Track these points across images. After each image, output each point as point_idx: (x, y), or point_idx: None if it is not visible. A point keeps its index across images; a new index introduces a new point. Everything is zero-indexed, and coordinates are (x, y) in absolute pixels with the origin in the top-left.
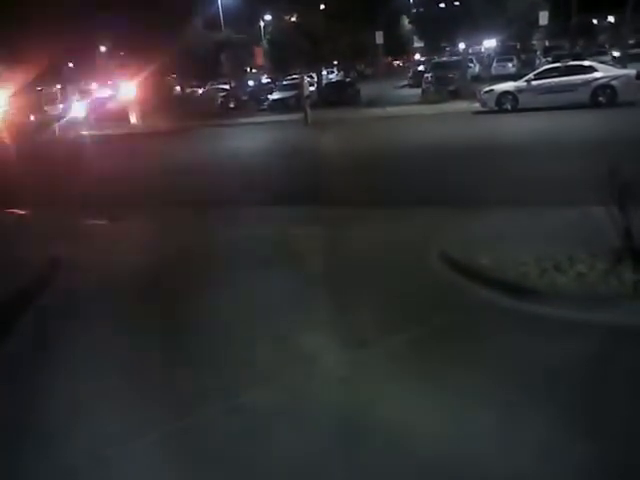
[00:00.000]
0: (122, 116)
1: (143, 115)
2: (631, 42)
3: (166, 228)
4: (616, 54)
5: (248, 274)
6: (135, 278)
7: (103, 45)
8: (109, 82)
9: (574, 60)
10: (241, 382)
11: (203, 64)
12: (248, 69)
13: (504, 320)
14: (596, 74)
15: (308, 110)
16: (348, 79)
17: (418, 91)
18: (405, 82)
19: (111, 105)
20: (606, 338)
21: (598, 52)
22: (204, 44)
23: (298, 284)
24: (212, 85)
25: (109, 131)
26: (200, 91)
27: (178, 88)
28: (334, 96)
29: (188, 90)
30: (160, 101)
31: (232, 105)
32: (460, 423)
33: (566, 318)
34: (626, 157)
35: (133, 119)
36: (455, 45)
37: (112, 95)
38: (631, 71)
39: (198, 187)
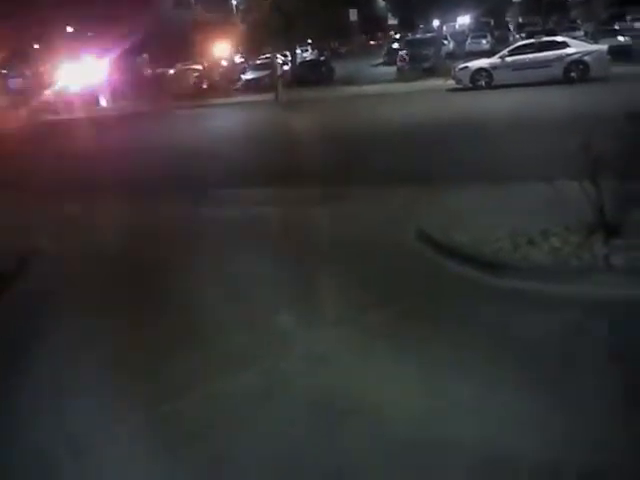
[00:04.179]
0: (91, 99)
1: (113, 97)
2: (603, 17)
3: (147, 211)
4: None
5: (227, 254)
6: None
7: (70, 26)
8: (75, 63)
9: (547, 36)
10: (221, 365)
11: (174, 44)
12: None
13: (479, 295)
14: (569, 50)
15: (280, 89)
16: (322, 58)
17: (393, 69)
18: (380, 60)
19: (78, 88)
20: (578, 310)
21: (570, 28)
22: (174, 23)
23: (276, 264)
24: (184, 65)
25: (78, 114)
26: (172, 71)
27: (149, 69)
28: (308, 75)
29: (159, 71)
30: (131, 82)
31: (205, 85)
32: (440, 397)
33: (539, 291)
34: (599, 132)
35: (103, 102)
36: (429, 22)
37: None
38: (603, 46)
39: (174, 171)
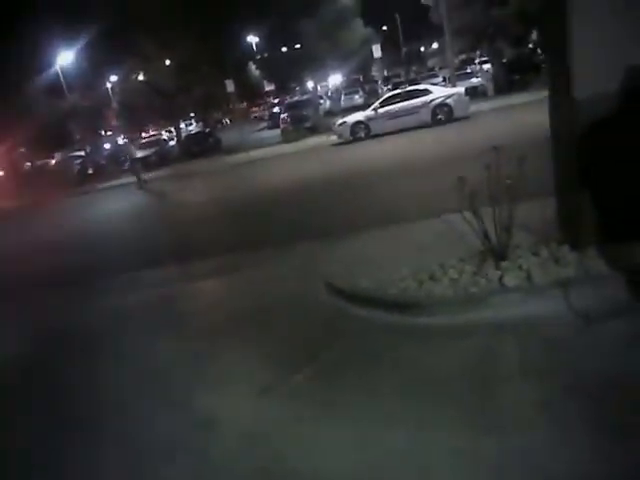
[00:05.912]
0: None
1: None
2: (456, 63)
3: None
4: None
5: (135, 341)
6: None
7: None
8: None
9: (411, 85)
10: (143, 460)
11: (52, 133)
12: (102, 132)
13: (391, 337)
14: (432, 95)
15: (139, 172)
16: (208, 129)
17: (277, 132)
18: (263, 125)
19: None
20: (479, 335)
21: (430, 75)
22: (49, 113)
23: (187, 345)
24: (66, 154)
25: None
26: (54, 161)
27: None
28: (195, 147)
29: (40, 163)
30: (10, 179)
31: (91, 171)
32: (374, 450)
33: (445, 324)
34: (470, 167)
35: None
36: (304, 84)
37: None
38: (460, 89)
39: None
